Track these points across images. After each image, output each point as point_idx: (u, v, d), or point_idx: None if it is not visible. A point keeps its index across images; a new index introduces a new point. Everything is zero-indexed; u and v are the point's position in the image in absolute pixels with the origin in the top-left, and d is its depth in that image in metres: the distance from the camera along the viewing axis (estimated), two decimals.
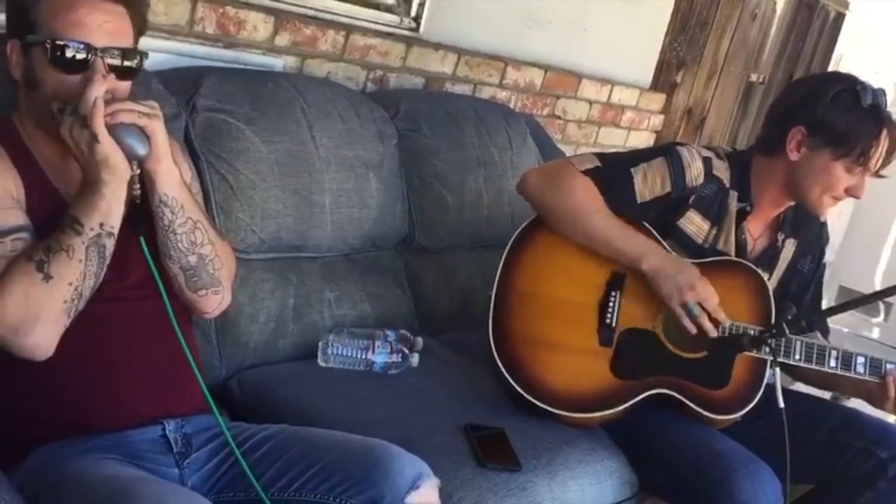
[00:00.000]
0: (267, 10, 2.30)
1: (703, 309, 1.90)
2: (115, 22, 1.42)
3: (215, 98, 2.01)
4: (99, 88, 1.34)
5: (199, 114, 1.98)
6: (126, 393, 1.45)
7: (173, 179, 1.45)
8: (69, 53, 1.37)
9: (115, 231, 1.38)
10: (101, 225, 1.35)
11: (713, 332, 1.91)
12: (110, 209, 1.36)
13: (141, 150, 1.38)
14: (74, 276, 1.33)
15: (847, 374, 1.95)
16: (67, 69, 1.38)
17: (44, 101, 1.39)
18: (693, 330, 1.92)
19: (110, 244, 1.37)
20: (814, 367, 1.95)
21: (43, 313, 1.31)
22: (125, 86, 1.43)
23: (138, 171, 1.40)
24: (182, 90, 1.99)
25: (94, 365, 1.43)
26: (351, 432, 1.56)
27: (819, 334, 2.14)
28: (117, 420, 1.43)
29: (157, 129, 1.39)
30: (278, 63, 2.36)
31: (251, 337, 2.02)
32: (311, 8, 2.42)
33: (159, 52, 2.03)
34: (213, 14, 2.17)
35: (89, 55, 1.38)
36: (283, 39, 2.35)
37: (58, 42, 1.36)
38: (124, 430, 1.43)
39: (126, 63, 1.42)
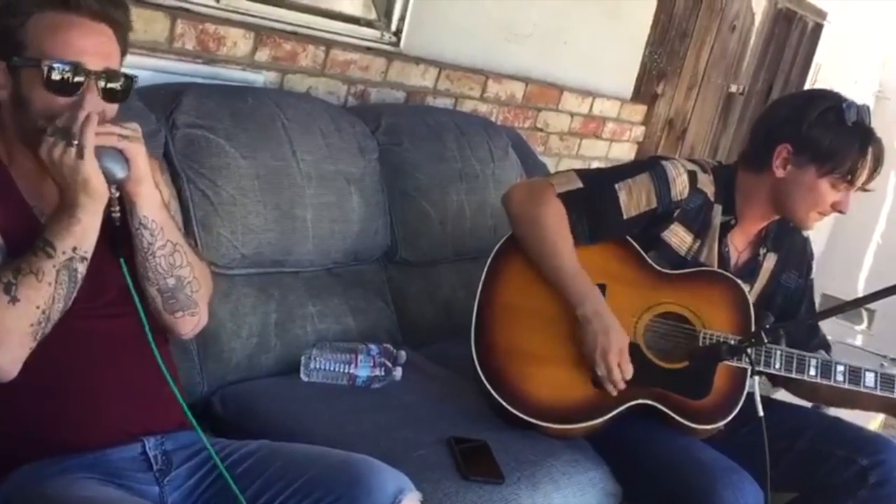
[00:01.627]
0: (247, 26, 2.30)
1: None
2: (106, 44, 1.42)
3: (195, 114, 2.01)
4: (90, 107, 1.34)
5: (179, 130, 1.98)
6: (104, 411, 1.44)
7: (154, 202, 1.45)
8: (64, 75, 1.36)
9: (89, 256, 1.37)
10: (75, 249, 1.34)
11: (614, 392, 1.94)
12: (84, 234, 1.35)
13: (119, 174, 1.37)
14: (42, 299, 1.32)
15: (827, 383, 1.96)
16: (61, 91, 1.36)
17: (31, 119, 1.38)
18: (615, 382, 1.93)
19: (82, 268, 1.36)
20: (794, 375, 1.96)
21: (7, 336, 1.30)
22: (113, 109, 1.43)
23: (118, 194, 1.40)
24: (162, 106, 1.99)
25: (70, 382, 1.42)
26: (334, 447, 1.56)
27: (823, 352, 2.14)
28: (96, 438, 1.42)
29: (138, 152, 1.39)
30: (259, 78, 2.36)
31: (233, 353, 2.02)
32: (291, 23, 2.43)
33: (139, 69, 2.01)
34: (192, 30, 2.18)
35: (84, 78, 1.37)
36: (263, 55, 2.35)
37: (53, 64, 1.35)
38: (103, 448, 1.42)
39: (116, 86, 1.42)
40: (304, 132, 2.20)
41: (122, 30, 1.46)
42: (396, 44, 2.76)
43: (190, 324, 1.58)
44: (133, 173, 1.39)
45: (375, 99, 2.72)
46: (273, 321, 2.10)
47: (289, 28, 2.43)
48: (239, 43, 2.29)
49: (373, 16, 2.71)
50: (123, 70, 1.45)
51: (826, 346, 2.19)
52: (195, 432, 1.47)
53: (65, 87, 1.36)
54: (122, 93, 1.44)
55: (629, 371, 1.93)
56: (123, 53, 1.48)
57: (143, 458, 1.46)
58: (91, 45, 1.39)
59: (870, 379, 1.98)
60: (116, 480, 1.40)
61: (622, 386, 1.93)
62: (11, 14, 1.39)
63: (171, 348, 1.64)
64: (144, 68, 2.06)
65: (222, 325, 1.99)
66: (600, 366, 1.92)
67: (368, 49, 2.66)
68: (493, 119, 3.15)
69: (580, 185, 2.02)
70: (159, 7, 2.10)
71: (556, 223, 1.99)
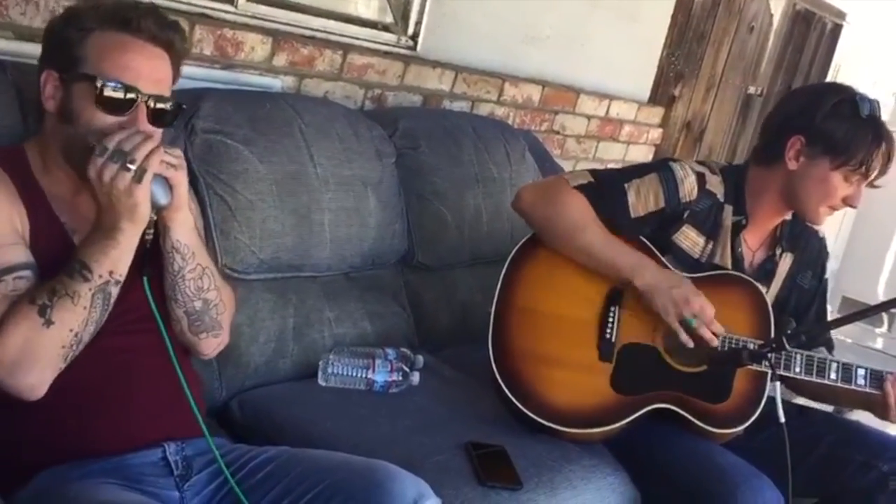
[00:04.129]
0: (264, 31, 2.31)
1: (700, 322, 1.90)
2: (161, 69, 1.44)
3: (213, 119, 2.02)
4: (157, 140, 1.35)
5: (197, 135, 1.99)
6: (126, 417, 1.45)
7: (187, 227, 1.47)
8: (117, 95, 1.37)
9: (122, 279, 1.38)
10: (111, 273, 1.35)
11: (714, 342, 1.91)
12: (121, 257, 1.36)
13: (163, 200, 1.39)
14: (76, 322, 1.33)
15: (848, 387, 1.95)
16: (112, 110, 1.37)
17: (78, 135, 1.39)
18: (690, 343, 1.92)
19: (115, 292, 1.37)
20: (814, 379, 1.95)
21: (40, 357, 1.31)
22: (158, 133, 1.43)
23: (154, 218, 1.41)
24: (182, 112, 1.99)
25: (95, 390, 1.43)
26: (352, 452, 1.56)
27: (824, 349, 2.13)
28: (117, 444, 1.43)
29: (181, 180, 1.40)
30: (276, 83, 2.37)
31: (251, 358, 2.02)
32: (308, 28, 2.44)
33: None
34: (210, 36, 2.19)
35: (136, 99, 1.38)
36: (280, 60, 2.36)
37: (108, 82, 1.36)
38: (124, 453, 1.43)
39: (166, 111, 1.43)
40: (322, 136, 2.20)
41: (177, 55, 1.47)
42: (413, 47, 2.76)
43: (212, 345, 1.60)
44: (174, 200, 1.40)
45: (392, 103, 2.72)
46: (291, 326, 2.10)
47: (306, 33, 2.44)
48: (257, 48, 2.30)
49: (390, 20, 2.71)
50: (175, 98, 1.46)
51: (830, 345, 2.18)
52: (217, 438, 1.48)
53: (116, 106, 1.38)
54: (171, 119, 1.46)
55: (712, 307, 1.90)
56: (175, 79, 1.50)
57: (163, 464, 1.46)
58: (147, 69, 1.40)
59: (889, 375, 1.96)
60: (137, 485, 1.40)
61: (719, 327, 1.90)
62: (74, 27, 1.41)
63: (192, 357, 1.64)
64: None
65: (240, 330, 1.99)
66: (689, 316, 1.88)
67: (385, 53, 2.67)
68: (509, 122, 3.15)
69: (591, 180, 2.03)
70: (178, 13, 2.11)
71: (581, 209, 1.99)
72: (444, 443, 1.85)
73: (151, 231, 1.42)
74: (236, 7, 2.26)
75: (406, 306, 2.42)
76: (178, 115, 1.48)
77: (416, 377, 2.11)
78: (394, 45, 2.71)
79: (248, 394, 1.99)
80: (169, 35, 1.44)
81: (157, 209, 1.39)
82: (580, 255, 2.00)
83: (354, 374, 2.05)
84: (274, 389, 2.01)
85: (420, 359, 2.18)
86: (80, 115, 1.39)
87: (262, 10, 2.32)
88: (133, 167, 1.31)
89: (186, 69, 2.12)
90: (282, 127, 2.13)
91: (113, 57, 1.38)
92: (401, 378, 2.08)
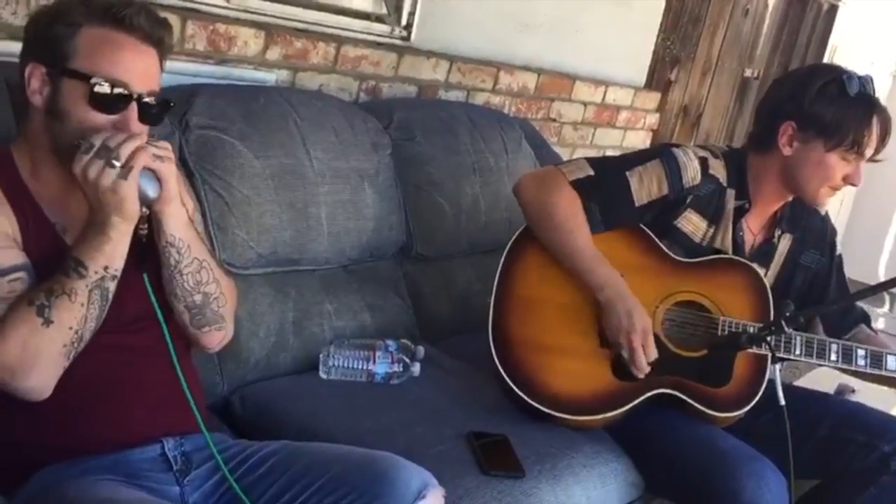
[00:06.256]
0: (257, 25, 2.31)
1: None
2: (152, 66, 1.43)
3: (208, 115, 2.01)
4: (137, 129, 1.34)
5: (192, 131, 1.98)
6: (124, 414, 1.45)
7: (181, 221, 1.45)
8: (110, 93, 1.35)
9: (119, 274, 1.37)
10: (106, 268, 1.35)
11: (640, 375, 1.92)
12: (115, 252, 1.35)
13: (152, 194, 1.38)
14: (75, 320, 1.32)
15: (848, 368, 1.95)
16: (105, 108, 1.36)
17: (67, 133, 1.37)
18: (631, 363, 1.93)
19: (113, 286, 1.37)
20: (815, 361, 1.95)
21: (42, 357, 1.31)
22: (146, 130, 1.43)
23: (147, 212, 1.40)
24: (174, 108, 1.98)
25: (93, 387, 1.43)
26: (354, 444, 1.56)
27: (864, 326, 2.14)
28: (116, 440, 1.43)
29: (170, 172, 1.39)
30: (270, 77, 2.36)
31: (252, 352, 2.02)
32: (301, 21, 2.44)
33: None
34: (203, 31, 2.18)
35: (128, 98, 1.37)
36: (274, 53, 2.35)
37: (102, 81, 1.35)
38: (123, 449, 1.43)
39: (156, 110, 1.43)
40: (317, 130, 2.20)
41: (165, 52, 1.46)
42: (407, 38, 2.75)
43: (216, 338, 1.59)
44: (163, 193, 1.39)
45: (387, 94, 2.71)
46: (290, 319, 2.10)
47: (299, 26, 2.43)
48: (250, 42, 2.29)
49: (383, 11, 2.70)
50: (164, 96, 1.45)
51: (865, 319, 2.17)
52: (216, 434, 1.48)
53: (109, 105, 1.36)
54: (160, 115, 1.45)
55: (652, 353, 1.91)
56: (160, 74, 1.48)
57: (162, 459, 1.46)
58: (139, 67, 1.39)
59: (892, 362, 1.97)
60: (136, 481, 1.40)
61: (646, 369, 1.91)
62: (63, 22, 1.38)
63: (192, 351, 1.64)
64: None
65: (240, 324, 1.97)
66: (625, 348, 1.91)
67: (379, 44, 2.66)
68: (505, 111, 3.14)
69: (591, 172, 2.02)
70: (170, 8, 2.10)
71: (570, 210, 1.99)
72: (445, 433, 1.85)
73: (145, 226, 1.41)
74: (229, 2, 2.25)
75: (405, 297, 2.42)
76: (166, 112, 1.47)
77: (416, 368, 2.11)
78: (387, 37, 2.70)
79: (249, 388, 1.99)
80: (160, 33, 1.43)
81: (148, 203, 1.39)
82: (558, 255, 2.00)
83: (355, 366, 2.05)
84: (275, 383, 2.02)
85: (420, 350, 2.18)
86: (71, 113, 1.37)
87: (255, 3, 2.31)
88: (118, 164, 1.31)
89: (179, 65, 2.15)
90: (277, 121, 2.13)
91: (106, 54, 1.37)
92: (401, 369, 2.08)
